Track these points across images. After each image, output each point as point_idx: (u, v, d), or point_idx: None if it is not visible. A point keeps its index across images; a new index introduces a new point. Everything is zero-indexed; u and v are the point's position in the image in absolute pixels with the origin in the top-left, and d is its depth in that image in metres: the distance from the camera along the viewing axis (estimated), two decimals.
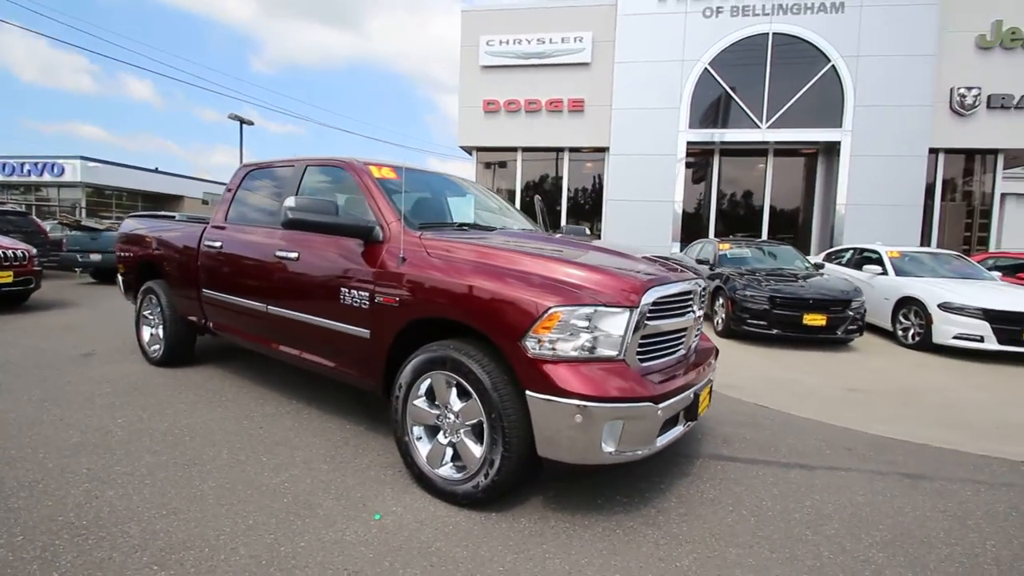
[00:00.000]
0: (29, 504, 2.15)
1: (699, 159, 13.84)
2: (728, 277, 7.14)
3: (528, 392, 2.06)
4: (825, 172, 13.12)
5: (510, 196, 14.19)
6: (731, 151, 13.63)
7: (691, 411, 2.40)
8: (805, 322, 6.40)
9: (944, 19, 11.46)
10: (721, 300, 7.04)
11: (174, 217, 4.80)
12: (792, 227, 13.89)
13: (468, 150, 14.70)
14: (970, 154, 12.60)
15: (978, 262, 8.24)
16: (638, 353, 2.19)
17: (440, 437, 2.39)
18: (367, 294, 2.61)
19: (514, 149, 14.22)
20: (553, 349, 2.05)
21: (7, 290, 6.62)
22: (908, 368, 5.72)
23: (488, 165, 14.91)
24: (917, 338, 6.65)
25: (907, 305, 6.91)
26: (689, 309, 2.54)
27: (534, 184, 14.67)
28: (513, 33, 13.40)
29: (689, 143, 12.85)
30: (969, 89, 11.53)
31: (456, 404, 2.31)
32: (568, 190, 14.32)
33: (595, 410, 1.98)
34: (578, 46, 13.17)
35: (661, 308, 2.29)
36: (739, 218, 14.12)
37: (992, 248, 12.20)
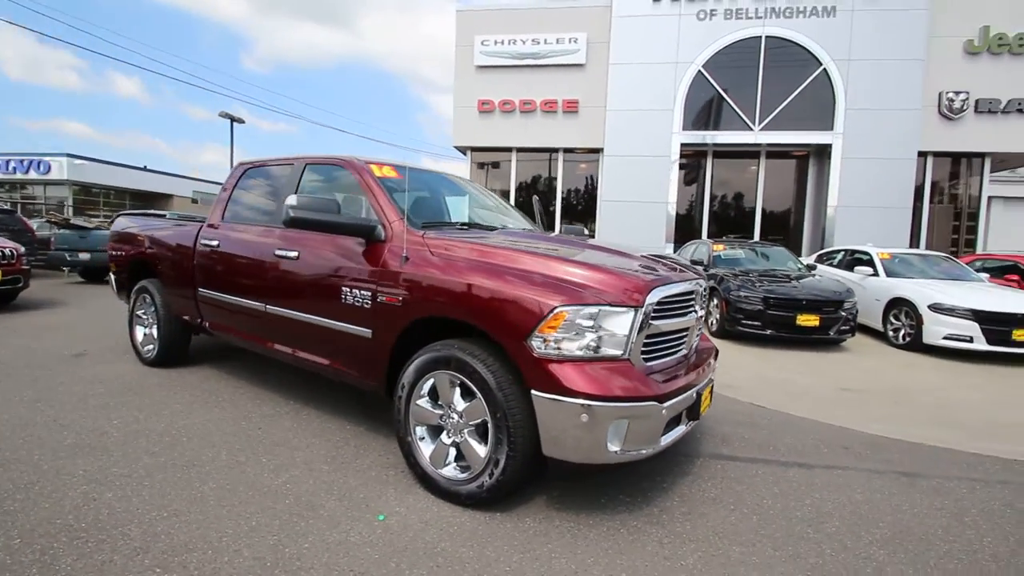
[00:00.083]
0: (26, 507, 2.11)
1: (692, 160, 13.93)
2: (722, 278, 7.19)
3: (534, 392, 2.06)
4: (816, 174, 13.26)
5: (504, 196, 14.18)
6: (724, 153, 13.74)
7: (693, 410, 2.41)
8: (798, 323, 6.47)
9: (933, 24, 11.63)
10: (715, 301, 7.09)
11: (164, 216, 4.75)
12: (784, 228, 14.02)
13: (463, 150, 14.68)
14: (958, 157, 12.79)
15: (966, 264, 8.37)
16: (642, 353, 2.20)
17: (443, 437, 2.38)
18: (369, 293, 2.60)
19: (509, 149, 14.22)
20: (558, 348, 2.05)
21: None
22: (899, 368, 5.80)
23: (481, 165, 14.91)
24: (908, 338, 6.74)
25: (898, 306, 7.00)
26: (691, 309, 2.55)
27: (527, 184, 14.68)
28: (508, 33, 13.40)
29: (683, 145, 12.93)
30: (957, 93, 11.71)
31: (460, 404, 2.30)
32: (562, 190, 14.36)
33: (601, 409, 1.98)
34: (573, 47, 13.21)
35: (665, 308, 2.31)
36: (732, 219, 14.22)
37: (979, 250, 12.40)
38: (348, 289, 2.70)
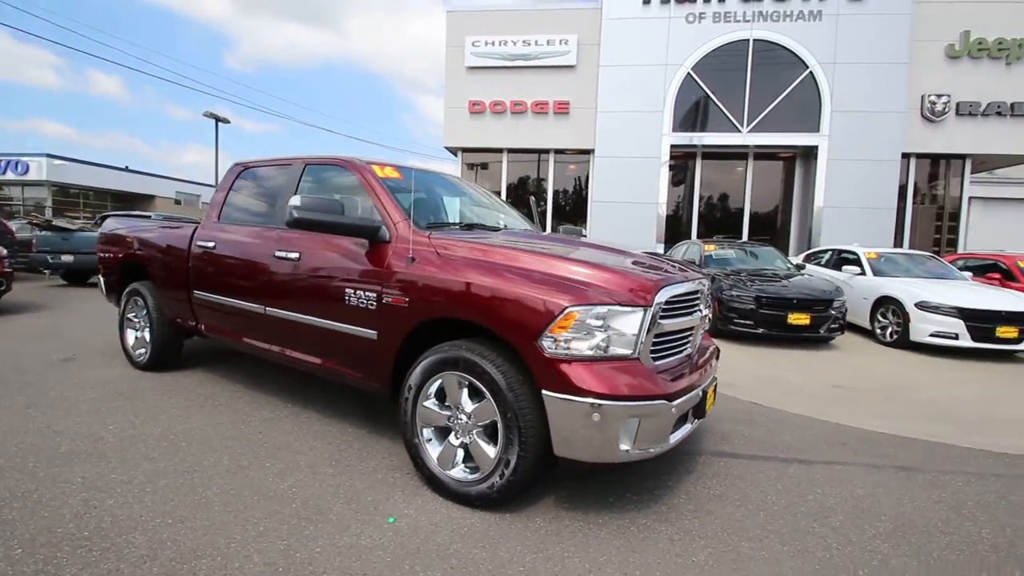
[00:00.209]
0: (24, 516, 2.06)
1: (680, 162, 14.07)
2: (714, 278, 7.26)
3: (545, 392, 2.06)
4: (803, 175, 13.48)
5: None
6: (713, 154, 13.90)
7: (699, 409, 2.43)
8: (790, 321, 6.56)
9: (916, 29, 11.90)
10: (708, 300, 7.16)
11: (149, 217, 4.68)
12: (771, 229, 14.23)
13: (454, 151, 14.65)
14: (940, 159, 13.10)
15: (950, 263, 8.57)
16: (651, 352, 2.21)
17: (451, 438, 2.37)
18: (374, 295, 2.58)
19: (500, 150, 14.23)
20: (568, 348, 2.05)
21: None
22: (888, 365, 5.91)
23: (471, 166, 14.89)
24: (895, 336, 6.88)
25: (885, 304, 7.14)
26: (696, 308, 2.57)
27: (516, 185, 14.69)
28: (499, 34, 13.42)
29: (673, 146, 13.05)
30: (939, 96, 12.00)
31: (468, 405, 2.29)
32: (553, 191, 14.40)
33: (613, 409, 1.99)
34: (563, 48, 13.26)
35: (672, 307, 2.32)
36: (720, 220, 14.39)
37: (960, 249, 12.71)
38: (352, 290, 2.67)
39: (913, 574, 1.94)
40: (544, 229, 6.69)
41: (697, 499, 2.47)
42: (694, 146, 13.31)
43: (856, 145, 12.12)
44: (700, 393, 2.42)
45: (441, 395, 2.40)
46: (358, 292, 2.65)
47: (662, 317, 2.23)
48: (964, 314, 6.24)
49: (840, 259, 8.71)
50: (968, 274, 7.94)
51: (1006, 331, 6.13)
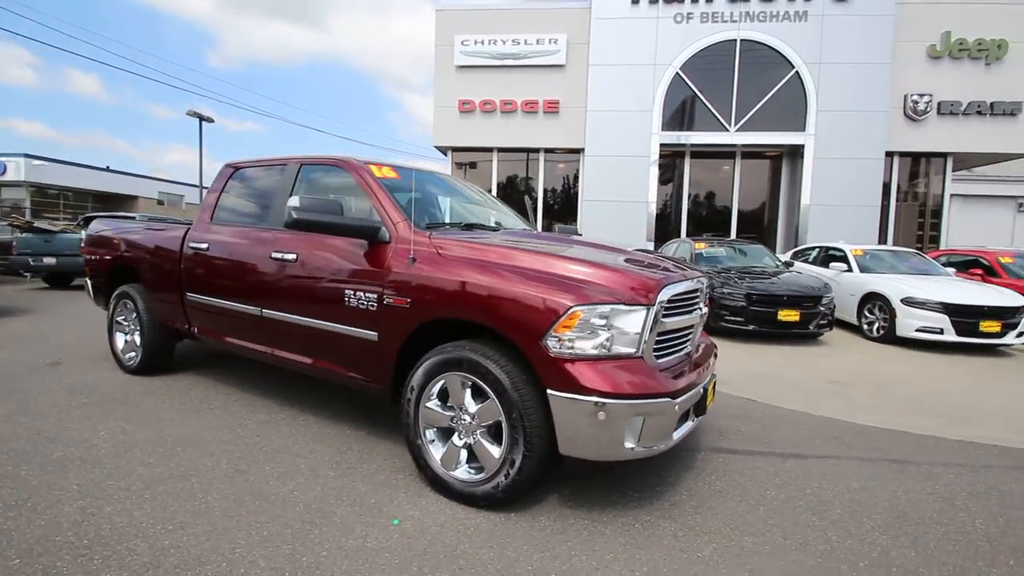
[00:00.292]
0: (20, 525, 2.01)
1: (669, 161, 14.17)
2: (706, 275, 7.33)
3: (550, 391, 2.07)
4: (790, 174, 13.66)
5: None
6: (701, 153, 14.02)
7: (700, 406, 2.46)
8: (780, 318, 6.65)
9: (899, 29, 12.13)
10: None
11: (134, 218, 4.59)
12: (758, 227, 14.40)
13: (443, 150, 14.60)
14: (922, 157, 13.36)
15: (933, 259, 8.75)
16: (653, 350, 2.23)
17: (455, 439, 2.36)
18: (375, 296, 2.56)
19: (490, 149, 14.21)
20: (572, 348, 2.06)
21: None
22: (876, 360, 6.02)
23: (460, 165, 14.85)
24: (882, 331, 7.01)
25: (872, 300, 7.27)
26: (696, 306, 2.60)
27: (505, 184, 14.69)
28: (488, 33, 13.39)
29: (662, 145, 13.15)
30: (921, 96, 12.24)
31: (472, 405, 2.29)
32: (544, 190, 14.41)
33: (618, 407, 2.00)
34: (553, 48, 13.28)
35: (673, 306, 2.34)
36: (708, 218, 14.54)
37: (942, 246, 12.98)
38: (352, 292, 2.65)
39: (912, 565, 1.98)
40: (537, 228, 6.70)
41: (698, 495, 2.50)
42: (683, 145, 13.42)
43: (841, 144, 12.32)
44: (701, 390, 2.45)
45: (444, 396, 2.39)
46: (358, 293, 2.63)
47: (664, 316, 2.25)
48: (949, 309, 6.38)
49: (827, 256, 8.84)
50: (951, 270, 8.12)
51: (989, 325, 6.28)
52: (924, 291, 6.67)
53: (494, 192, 14.25)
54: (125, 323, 4.23)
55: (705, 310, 2.78)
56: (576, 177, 14.26)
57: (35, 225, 10.02)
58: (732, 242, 9.52)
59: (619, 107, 13.01)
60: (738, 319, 6.72)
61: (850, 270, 8.01)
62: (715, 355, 2.96)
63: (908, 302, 6.66)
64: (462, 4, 14.18)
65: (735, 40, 12.57)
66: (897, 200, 13.30)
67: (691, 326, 2.57)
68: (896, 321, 6.74)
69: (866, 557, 2.02)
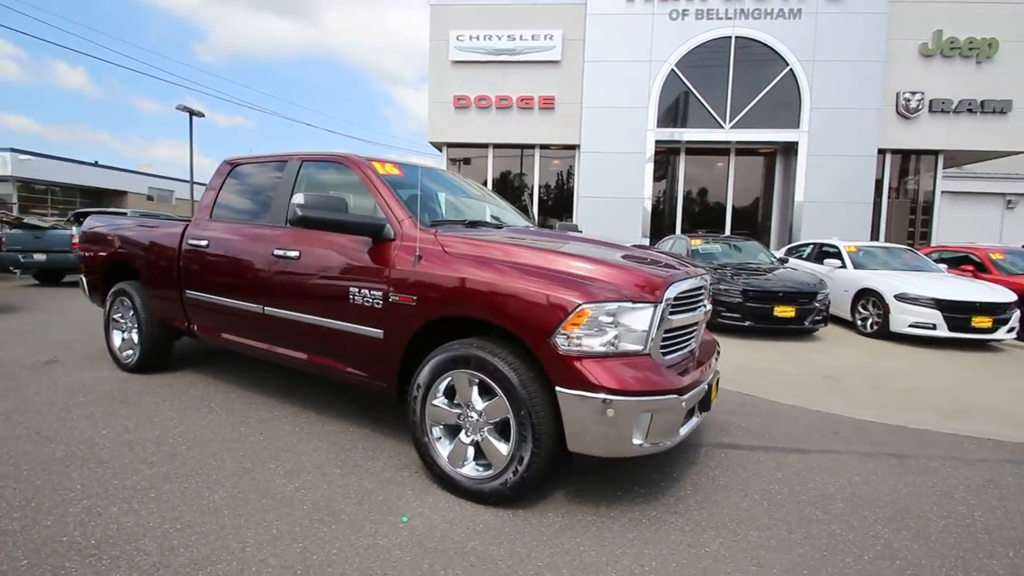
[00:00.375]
0: (25, 526, 2.00)
1: (664, 157, 14.21)
2: None
3: (559, 388, 2.08)
4: (783, 170, 13.74)
5: None
6: (696, 150, 14.07)
7: (705, 402, 2.48)
8: (776, 314, 6.70)
9: (891, 28, 12.21)
10: None
11: (125, 214, 4.54)
12: (752, 223, 14.48)
13: (439, 146, 14.53)
14: (914, 154, 13.49)
15: (925, 255, 8.86)
16: (660, 347, 2.24)
17: (462, 436, 2.37)
18: (380, 293, 2.56)
19: (485, 145, 14.16)
20: (580, 345, 2.07)
21: None
22: (870, 355, 6.09)
23: (454, 161, 14.79)
24: (875, 327, 7.09)
25: (866, 296, 7.35)
26: (701, 303, 2.62)
27: (500, 180, 14.66)
28: (483, 29, 13.32)
29: (657, 142, 13.17)
30: (913, 94, 12.35)
31: (479, 403, 2.30)
32: (539, 187, 14.40)
33: (627, 404, 2.02)
34: (548, 44, 13.23)
35: (679, 303, 2.36)
36: (703, 214, 14.60)
37: (933, 242, 13.14)
38: (357, 289, 2.64)
39: (915, 557, 2.02)
40: (535, 225, 6.70)
41: (703, 490, 2.52)
42: (678, 142, 13.45)
43: (834, 141, 12.41)
44: (705, 387, 2.47)
45: (450, 393, 2.39)
46: (363, 291, 2.62)
47: (671, 313, 2.27)
48: (941, 305, 6.47)
49: (821, 252, 8.92)
50: (943, 266, 8.22)
51: (981, 321, 6.38)
52: (917, 287, 6.75)
53: (490, 188, 14.22)
54: (122, 321, 4.19)
55: (709, 307, 2.80)
56: (571, 173, 14.25)
57: (25, 221, 9.87)
58: (727, 238, 9.57)
59: (614, 103, 13.01)
60: (735, 315, 6.77)
61: (844, 266, 8.09)
62: (718, 352, 2.98)
63: (902, 298, 6.74)
64: None
65: (730, 37, 12.60)
66: (889, 197, 13.43)
67: (696, 323, 2.59)
68: (890, 317, 6.82)
69: (870, 550, 2.06)
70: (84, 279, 4.63)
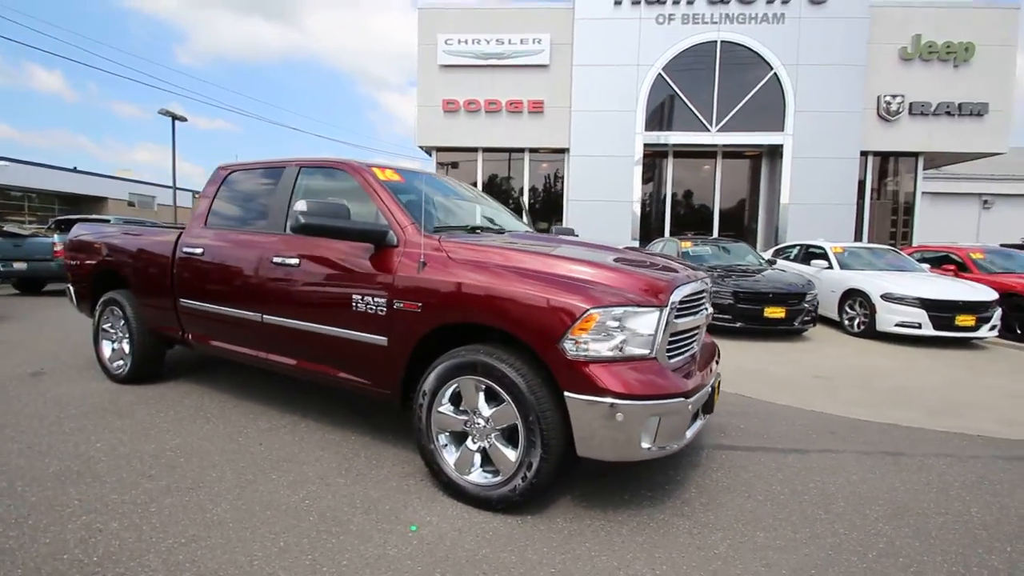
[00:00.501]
0: (23, 543, 1.94)
1: (651, 160, 14.35)
2: None
3: (567, 393, 2.08)
4: (769, 173, 13.97)
5: None
6: (683, 153, 14.24)
7: (708, 405, 2.51)
8: (766, 315, 6.80)
9: (872, 32, 12.50)
10: None
11: (108, 221, 4.46)
12: (739, 225, 14.69)
13: (427, 150, 14.51)
14: (892, 156, 13.81)
15: (908, 255, 9.05)
16: (665, 351, 2.26)
17: (468, 443, 2.36)
18: (384, 300, 2.54)
19: (474, 149, 14.17)
20: (588, 350, 2.08)
21: None
22: (858, 355, 6.21)
23: (443, 165, 14.78)
24: (862, 327, 7.23)
25: (852, 296, 7.49)
26: (703, 307, 2.65)
27: (489, 184, 14.67)
28: (472, 33, 13.35)
29: (645, 145, 13.30)
30: (894, 97, 12.65)
31: (486, 409, 2.29)
32: (529, 190, 14.45)
33: (635, 408, 2.03)
34: (536, 47, 13.31)
35: (684, 307, 2.38)
36: (690, 217, 14.77)
37: (914, 243, 13.45)
38: (360, 296, 2.62)
39: (917, 554, 2.06)
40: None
41: (707, 492, 2.55)
42: (665, 145, 13.60)
43: (818, 144, 12.66)
44: (709, 389, 2.50)
45: (456, 400, 2.38)
46: (366, 298, 2.61)
47: (676, 316, 2.29)
48: (926, 304, 6.62)
49: (808, 254, 9.07)
50: (926, 266, 8.42)
51: (964, 319, 6.54)
52: (903, 287, 6.90)
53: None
54: (112, 330, 4.10)
55: (711, 310, 2.83)
56: (559, 176, 14.32)
57: (4, 229, 9.61)
58: (716, 240, 9.68)
59: (603, 107, 13.12)
60: (725, 317, 6.84)
61: (831, 267, 8.23)
62: (718, 354, 3.02)
63: (888, 298, 6.88)
64: (445, 3, 14.09)
65: (715, 41, 12.79)
66: (871, 198, 13.73)
67: (699, 326, 2.62)
68: (876, 316, 6.96)
69: (873, 548, 2.09)
70: (72, 288, 4.53)
